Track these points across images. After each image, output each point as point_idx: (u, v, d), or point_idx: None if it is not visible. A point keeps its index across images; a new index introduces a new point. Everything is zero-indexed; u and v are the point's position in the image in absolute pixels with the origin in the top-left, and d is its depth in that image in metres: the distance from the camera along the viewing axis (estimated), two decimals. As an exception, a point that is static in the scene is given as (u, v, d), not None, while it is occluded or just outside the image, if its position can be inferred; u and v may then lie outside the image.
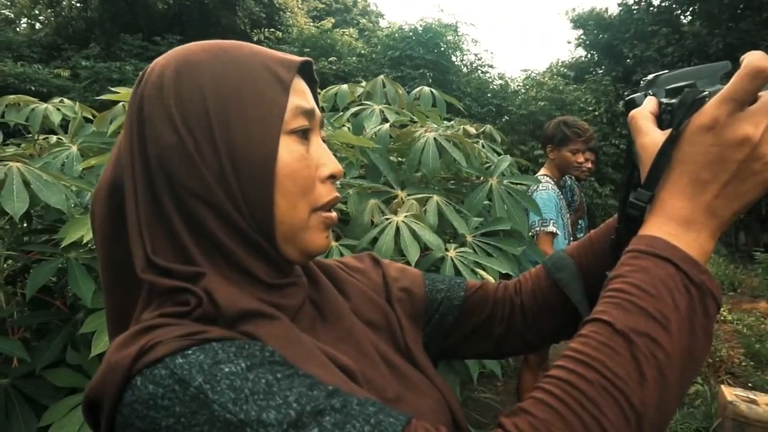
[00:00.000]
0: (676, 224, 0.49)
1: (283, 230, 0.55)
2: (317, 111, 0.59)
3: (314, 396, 0.43)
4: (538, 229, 2.63)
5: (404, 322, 0.68)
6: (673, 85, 0.56)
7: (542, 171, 2.90)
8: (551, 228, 2.61)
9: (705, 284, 0.47)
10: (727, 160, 0.47)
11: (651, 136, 0.53)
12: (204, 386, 0.42)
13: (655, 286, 0.46)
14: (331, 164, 0.58)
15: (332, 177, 0.58)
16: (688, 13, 9.80)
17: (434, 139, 1.89)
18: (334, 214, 0.59)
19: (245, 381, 0.43)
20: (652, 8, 10.14)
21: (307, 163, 0.55)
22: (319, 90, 0.66)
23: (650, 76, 0.59)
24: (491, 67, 11.70)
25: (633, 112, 0.55)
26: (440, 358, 0.77)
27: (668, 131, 0.51)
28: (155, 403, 0.43)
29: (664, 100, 0.55)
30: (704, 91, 0.50)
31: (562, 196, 2.78)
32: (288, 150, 0.54)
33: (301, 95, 0.56)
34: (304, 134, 0.56)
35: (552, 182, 2.78)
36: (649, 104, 0.56)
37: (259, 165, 0.52)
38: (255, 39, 12.18)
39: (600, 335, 0.45)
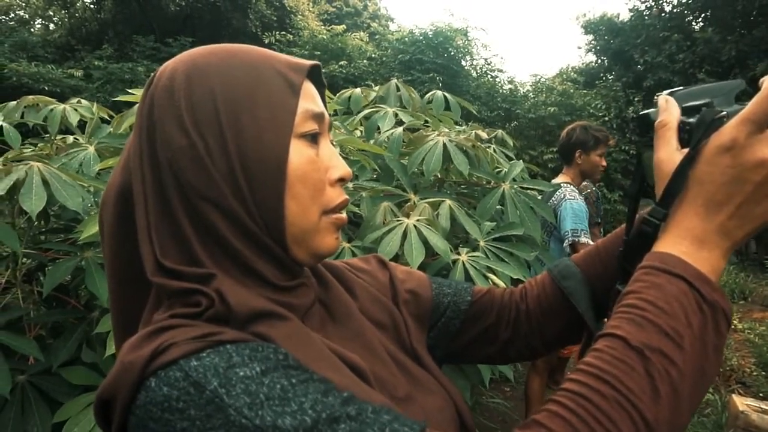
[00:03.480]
0: (689, 243, 0.50)
1: (294, 233, 0.55)
2: (326, 115, 0.59)
3: (329, 403, 0.43)
4: (571, 239, 2.62)
5: (410, 323, 0.69)
6: (689, 103, 0.56)
7: (562, 178, 2.89)
8: (584, 239, 2.60)
9: (717, 303, 0.47)
10: (744, 181, 0.48)
11: (671, 152, 0.53)
12: (219, 390, 0.43)
13: (668, 303, 0.47)
14: (340, 167, 0.58)
15: (342, 180, 0.58)
16: (700, 19, 9.74)
17: (443, 143, 1.90)
18: (344, 215, 0.59)
19: (260, 386, 0.43)
20: (663, 14, 10.09)
21: (317, 167, 0.56)
22: (331, 94, 0.67)
23: (665, 93, 0.59)
24: (501, 71, 11.67)
25: (665, 120, 0.55)
26: (445, 362, 0.77)
27: (686, 150, 0.52)
28: (170, 405, 0.43)
29: (682, 118, 0.55)
30: (723, 112, 0.51)
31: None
32: (299, 153, 0.54)
33: (310, 99, 0.57)
34: (313, 138, 0.57)
35: (576, 190, 2.78)
36: (676, 113, 0.56)
37: (270, 168, 0.53)
38: (266, 42, 12.25)
39: (614, 350, 0.46)
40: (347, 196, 0.59)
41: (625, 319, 0.47)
